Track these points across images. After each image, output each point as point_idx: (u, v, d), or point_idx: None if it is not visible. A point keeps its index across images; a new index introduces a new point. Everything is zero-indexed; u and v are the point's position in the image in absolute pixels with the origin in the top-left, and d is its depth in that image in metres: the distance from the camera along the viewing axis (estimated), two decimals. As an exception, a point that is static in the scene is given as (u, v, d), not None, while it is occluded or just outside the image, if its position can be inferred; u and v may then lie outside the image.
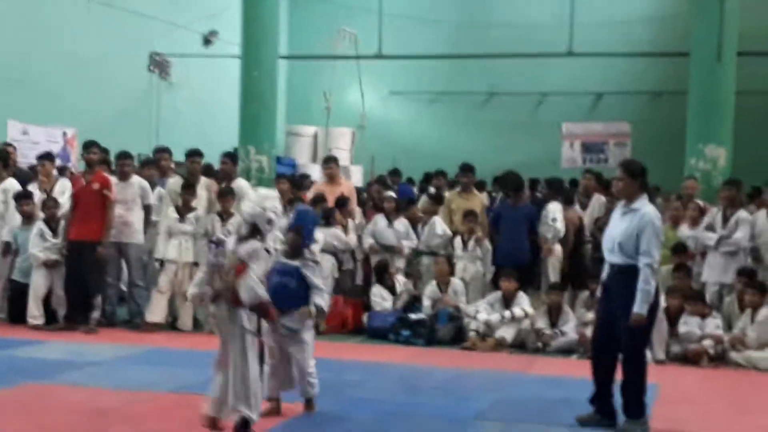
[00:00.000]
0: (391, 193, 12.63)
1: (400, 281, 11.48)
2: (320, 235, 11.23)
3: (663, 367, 9.47)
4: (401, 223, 11.85)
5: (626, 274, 6.77)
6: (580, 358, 9.79)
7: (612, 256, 6.91)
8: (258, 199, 6.61)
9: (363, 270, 12.25)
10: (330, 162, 12.87)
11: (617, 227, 6.91)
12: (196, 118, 20.75)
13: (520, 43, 21.33)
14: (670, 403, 7.79)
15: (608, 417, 6.97)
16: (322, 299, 6.79)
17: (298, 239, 6.79)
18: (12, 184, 11.19)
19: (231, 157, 11.80)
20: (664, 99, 21.90)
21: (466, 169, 12.10)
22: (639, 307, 6.68)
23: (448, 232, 11.75)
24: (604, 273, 7.06)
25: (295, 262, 6.77)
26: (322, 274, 7.12)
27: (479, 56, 20.88)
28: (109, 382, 7.59)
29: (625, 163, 7.22)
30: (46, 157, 11.87)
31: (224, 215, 10.80)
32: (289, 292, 6.70)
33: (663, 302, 10.04)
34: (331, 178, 12.52)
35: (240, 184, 11.42)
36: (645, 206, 6.87)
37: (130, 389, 7.56)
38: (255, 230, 6.15)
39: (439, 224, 11.75)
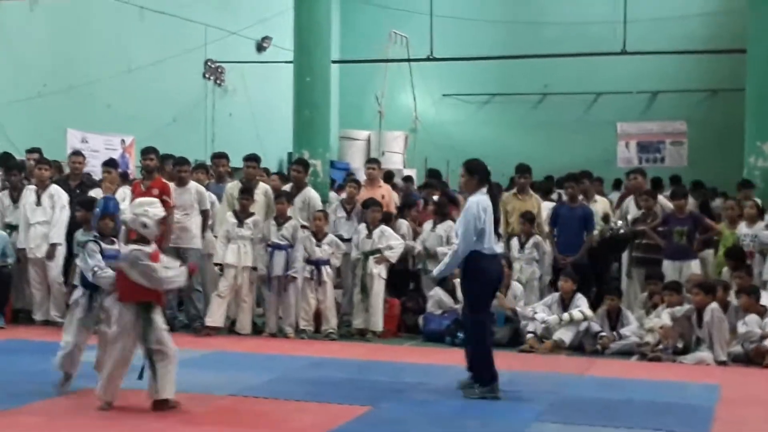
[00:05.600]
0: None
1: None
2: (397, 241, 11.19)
3: (725, 367, 9.35)
4: (443, 228, 11.70)
5: (465, 260, 7.64)
6: (639, 360, 9.72)
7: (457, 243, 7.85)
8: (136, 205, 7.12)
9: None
10: (372, 163, 12.89)
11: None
12: (251, 123, 20.93)
13: (574, 42, 21.20)
14: (733, 404, 7.69)
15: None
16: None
17: (111, 225, 7.58)
18: (57, 190, 11.36)
19: (303, 164, 11.88)
20: (720, 96, 21.58)
21: (522, 170, 12.02)
22: (436, 270, 8.10)
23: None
24: None
25: (115, 246, 7.42)
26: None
27: (532, 56, 20.73)
28: (170, 386, 7.66)
29: (466, 162, 7.91)
30: (111, 164, 12.10)
31: (280, 219, 10.88)
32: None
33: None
34: (371, 180, 12.52)
35: (310, 194, 11.50)
36: (471, 198, 7.72)
37: (190, 392, 7.64)
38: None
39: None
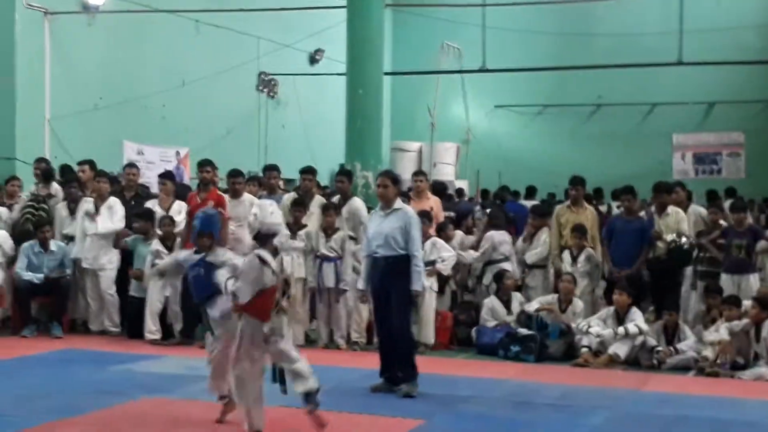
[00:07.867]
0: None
1: (517, 296, 11.35)
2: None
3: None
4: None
5: (400, 263, 8.09)
6: (697, 375, 9.56)
7: (383, 250, 8.17)
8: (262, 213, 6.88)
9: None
10: (419, 175, 12.71)
11: (385, 225, 8.21)
12: (303, 135, 21.05)
13: (628, 52, 21.01)
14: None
15: (395, 384, 8.22)
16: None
17: (208, 242, 7.04)
18: (115, 202, 11.49)
19: (347, 175, 11.84)
20: (778, 107, 21.29)
21: (576, 182, 11.86)
22: (418, 285, 8.14)
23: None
24: (370, 267, 8.35)
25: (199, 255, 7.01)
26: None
27: (585, 67, 20.57)
28: (224, 397, 7.70)
29: (387, 172, 8.77)
30: (167, 176, 12.18)
31: (328, 231, 10.87)
32: (201, 281, 6.89)
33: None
34: (419, 192, 12.34)
35: (356, 204, 11.39)
36: (404, 206, 8.40)
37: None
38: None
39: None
